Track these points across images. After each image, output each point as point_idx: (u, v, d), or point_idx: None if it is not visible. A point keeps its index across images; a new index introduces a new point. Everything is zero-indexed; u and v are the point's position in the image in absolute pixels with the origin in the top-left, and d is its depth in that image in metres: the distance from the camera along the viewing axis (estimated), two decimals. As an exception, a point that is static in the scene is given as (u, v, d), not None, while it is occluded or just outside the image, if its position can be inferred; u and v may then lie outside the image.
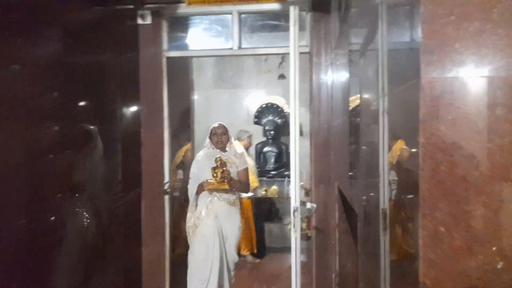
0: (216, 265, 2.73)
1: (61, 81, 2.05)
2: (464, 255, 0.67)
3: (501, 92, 0.73)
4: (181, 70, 5.06)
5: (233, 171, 2.81)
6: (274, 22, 3.05)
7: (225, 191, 2.77)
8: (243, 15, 2.98)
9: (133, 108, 2.89)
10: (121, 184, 2.65)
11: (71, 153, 2.14)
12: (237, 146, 3.33)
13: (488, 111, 0.73)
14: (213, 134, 2.87)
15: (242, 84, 5.88)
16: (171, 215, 3.04)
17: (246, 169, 2.94)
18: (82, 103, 2.30)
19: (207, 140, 2.93)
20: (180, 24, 3.09)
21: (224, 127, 2.88)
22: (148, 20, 2.86)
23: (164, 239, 2.98)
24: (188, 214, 2.88)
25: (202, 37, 3.16)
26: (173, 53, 2.98)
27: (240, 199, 3.23)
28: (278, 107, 5.34)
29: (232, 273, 2.93)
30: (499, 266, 0.67)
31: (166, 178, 2.99)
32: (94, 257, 2.34)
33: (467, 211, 0.67)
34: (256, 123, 5.42)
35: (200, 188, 2.82)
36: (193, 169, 2.91)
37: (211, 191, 2.79)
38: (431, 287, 0.68)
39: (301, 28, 2.65)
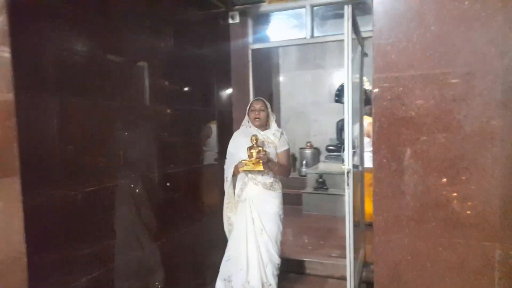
0: (253, 259, 2.48)
1: (173, 71, 2.86)
2: (398, 175, 1.15)
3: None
4: (266, 57, 5.71)
5: (272, 152, 2.55)
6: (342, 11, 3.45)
7: (261, 173, 2.52)
8: (315, 8, 3.46)
9: (226, 92, 3.63)
10: (218, 153, 3.43)
11: (181, 129, 2.97)
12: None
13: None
14: (251, 110, 2.62)
15: (324, 64, 6.31)
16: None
17: (287, 151, 2.64)
18: (188, 89, 3.11)
19: (246, 116, 2.69)
20: (262, 20, 3.71)
21: (264, 102, 2.62)
22: (237, 20, 3.55)
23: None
24: (225, 199, 2.64)
25: (281, 29, 3.74)
26: (257, 45, 3.62)
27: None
28: (357, 85, 5.64)
29: (272, 276, 2.49)
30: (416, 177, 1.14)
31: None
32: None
33: (399, 150, 1.15)
34: (337, 101, 5.83)
35: (236, 170, 2.55)
36: (230, 148, 2.68)
37: (245, 172, 2.54)
38: (379, 193, 1.19)
39: (367, 12, 3.03)
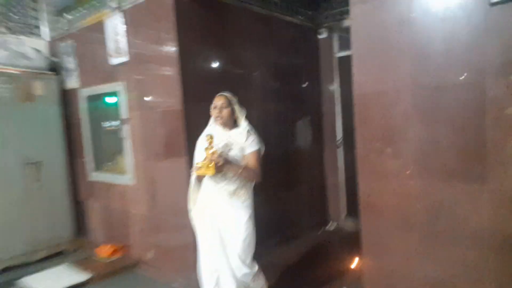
0: (223, 275, 2.28)
1: (276, 76, 3.91)
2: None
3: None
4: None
5: (235, 154, 2.25)
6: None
7: (223, 178, 2.23)
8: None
9: (317, 92, 4.58)
10: (312, 140, 4.41)
11: (288, 123, 4.02)
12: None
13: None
14: (212, 108, 2.33)
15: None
16: (345, 159, 4.60)
17: (257, 152, 2.30)
18: (288, 89, 4.13)
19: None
20: (346, 33, 4.55)
21: (226, 97, 2.32)
22: (325, 35, 4.47)
23: (339, 176, 4.59)
24: (189, 206, 2.42)
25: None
26: (341, 54, 4.48)
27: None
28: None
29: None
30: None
31: (337, 137, 4.57)
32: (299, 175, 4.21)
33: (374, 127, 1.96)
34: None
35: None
36: (196, 151, 2.41)
37: (200, 178, 2.31)
38: (365, 164, 2.00)
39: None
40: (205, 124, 2.53)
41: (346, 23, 4.31)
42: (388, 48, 2.02)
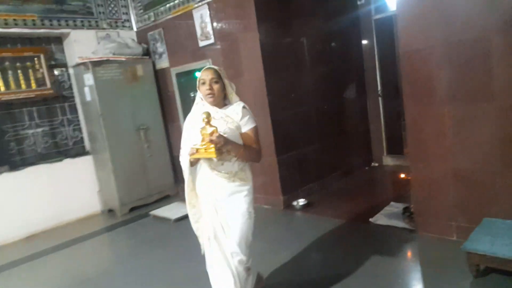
0: (221, 272, 2.11)
1: (325, 40, 4.77)
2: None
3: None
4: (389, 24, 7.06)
5: (232, 134, 1.99)
6: None
7: (222, 160, 2.01)
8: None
9: (359, 51, 5.39)
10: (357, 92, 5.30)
11: (336, 79, 4.93)
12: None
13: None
14: (201, 83, 2.03)
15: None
16: (384, 107, 5.49)
17: (254, 129, 2.08)
18: (335, 50, 5.00)
19: (198, 93, 2.12)
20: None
21: (215, 70, 2.02)
22: (363, 1, 5.22)
23: (380, 122, 5.50)
24: (186, 197, 2.16)
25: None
26: (377, 16, 5.24)
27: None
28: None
29: (243, 279, 2.13)
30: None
31: (378, 88, 5.43)
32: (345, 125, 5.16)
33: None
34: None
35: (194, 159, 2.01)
36: (183, 133, 2.15)
37: (193, 164, 2.05)
38: (411, 98, 2.89)
39: None
40: (281, 89, 3.54)
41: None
42: (426, 12, 2.82)
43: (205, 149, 1.88)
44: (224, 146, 1.90)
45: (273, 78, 4.04)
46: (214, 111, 2.04)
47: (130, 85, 4.87)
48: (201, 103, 2.13)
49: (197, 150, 1.91)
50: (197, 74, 4.81)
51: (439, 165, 2.92)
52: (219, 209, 2.10)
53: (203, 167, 2.07)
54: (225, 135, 1.92)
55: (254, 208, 2.18)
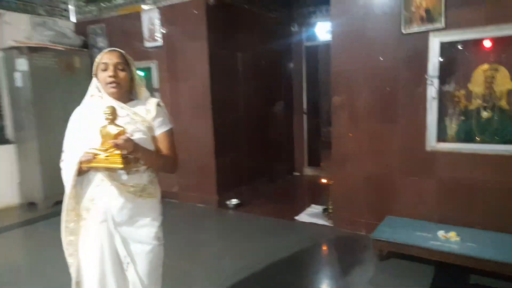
0: None
1: (260, 58, 5.29)
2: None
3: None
4: (316, 50, 7.74)
5: (142, 137, 1.54)
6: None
7: (126, 171, 1.51)
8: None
9: (289, 71, 6.02)
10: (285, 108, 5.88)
11: (266, 94, 5.44)
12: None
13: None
14: (100, 69, 1.55)
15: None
16: (307, 124, 6.17)
17: (170, 132, 1.66)
18: (266, 69, 5.53)
19: (93, 81, 1.61)
20: (311, 27, 6.02)
21: (123, 55, 1.58)
22: (296, 28, 5.89)
23: (303, 137, 6.16)
24: (63, 217, 1.57)
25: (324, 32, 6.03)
26: (308, 43, 5.95)
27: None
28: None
29: None
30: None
31: (304, 105, 6.10)
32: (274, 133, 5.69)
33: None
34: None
35: (85, 167, 1.49)
36: (68, 135, 1.62)
37: (95, 170, 1.51)
38: (337, 112, 3.53)
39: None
40: (222, 95, 3.93)
41: (312, 20, 5.78)
42: (352, 42, 3.44)
43: (107, 156, 1.43)
44: (132, 153, 1.45)
45: (216, 85, 4.38)
46: (119, 106, 1.54)
47: (65, 76, 4.73)
48: (98, 95, 1.59)
49: (95, 156, 1.44)
50: (139, 73, 4.93)
51: (355, 172, 3.55)
52: (117, 235, 1.55)
53: (96, 177, 1.53)
54: (132, 138, 1.45)
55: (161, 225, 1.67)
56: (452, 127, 3.03)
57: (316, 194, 4.93)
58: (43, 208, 4.56)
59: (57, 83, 4.64)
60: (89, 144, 1.49)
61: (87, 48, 5.14)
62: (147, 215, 1.63)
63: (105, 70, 1.56)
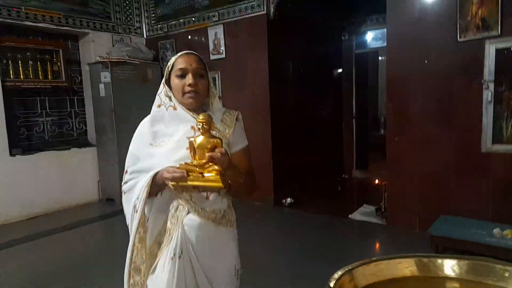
0: None
1: (314, 66, 5.60)
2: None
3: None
4: (366, 57, 7.94)
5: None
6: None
7: (211, 192, 1.33)
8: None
9: (339, 78, 6.28)
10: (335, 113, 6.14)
11: (319, 100, 5.74)
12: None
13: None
14: (176, 74, 1.34)
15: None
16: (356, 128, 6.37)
17: (248, 150, 1.47)
18: (320, 76, 5.82)
19: (162, 89, 1.40)
20: (362, 36, 6.25)
21: (202, 61, 1.37)
22: (347, 36, 6.15)
23: (352, 141, 6.37)
24: (129, 255, 1.34)
25: (376, 40, 6.24)
26: (358, 51, 6.18)
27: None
28: None
29: None
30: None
31: (353, 111, 6.32)
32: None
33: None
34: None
35: (156, 187, 1.31)
36: (133, 149, 1.42)
37: (180, 190, 1.30)
38: (392, 114, 3.74)
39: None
40: (278, 101, 4.31)
41: (362, 29, 6.02)
42: (408, 48, 3.64)
43: (206, 172, 1.22)
44: (227, 170, 1.25)
45: (274, 91, 4.75)
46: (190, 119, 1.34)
47: (140, 86, 5.33)
48: (169, 104, 1.37)
49: (189, 172, 1.22)
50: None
51: (409, 172, 3.75)
52: (196, 271, 1.33)
53: (171, 203, 1.33)
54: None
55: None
56: (507, 129, 3.17)
57: (367, 195, 5.14)
58: (120, 203, 5.12)
59: (134, 93, 5.23)
60: (161, 163, 1.28)
61: (158, 61, 5.74)
62: (227, 245, 1.42)
63: (181, 76, 1.33)
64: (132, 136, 1.47)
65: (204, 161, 1.23)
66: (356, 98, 6.34)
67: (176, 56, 1.37)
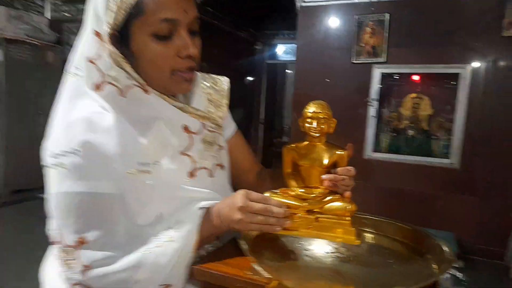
0: None
1: (227, 73, 5.81)
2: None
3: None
4: (276, 68, 8.37)
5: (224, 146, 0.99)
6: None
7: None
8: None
9: (251, 85, 6.60)
10: (245, 118, 6.42)
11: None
12: None
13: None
14: (157, 33, 0.73)
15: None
16: (264, 134, 6.75)
17: (240, 132, 1.12)
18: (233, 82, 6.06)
19: (99, 51, 0.75)
20: (273, 47, 6.68)
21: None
22: (259, 46, 6.50)
23: (257, 147, 6.73)
24: None
25: (285, 52, 6.71)
26: (269, 61, 6.58)
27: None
28: None
29: None
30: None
31: (261, 116, 6.69)
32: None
33: None
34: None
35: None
36: (84, 195, 0.71)
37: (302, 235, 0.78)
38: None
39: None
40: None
41: (274, 41, 6.45)
42: (313, 63, 4.08)
43: (320, 217, 0.77)
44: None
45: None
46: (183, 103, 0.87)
47: (38, 69, 4.88)
48: (129, 83, 0.77)
49: (294, 213, 0.77)
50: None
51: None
52: None
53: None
54: None
55: None
56: (385, 141, 3.78)
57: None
58: (4, 195, 4.60)
59: (30, 76, 4.77)
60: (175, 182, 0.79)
61: (61, 45, 5.31)
62: None
63: (165, 37, 0.76)
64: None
65: (320, 191, 0.76)
66: (265, 105, 6.73)
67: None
